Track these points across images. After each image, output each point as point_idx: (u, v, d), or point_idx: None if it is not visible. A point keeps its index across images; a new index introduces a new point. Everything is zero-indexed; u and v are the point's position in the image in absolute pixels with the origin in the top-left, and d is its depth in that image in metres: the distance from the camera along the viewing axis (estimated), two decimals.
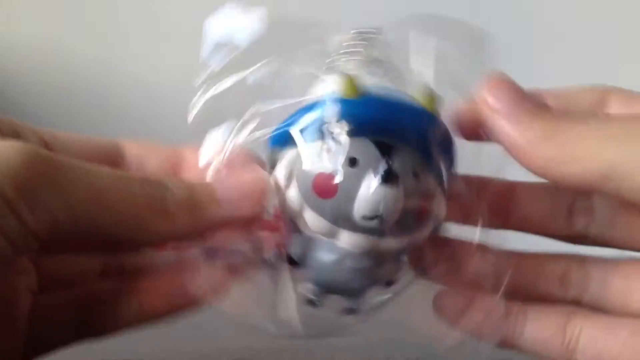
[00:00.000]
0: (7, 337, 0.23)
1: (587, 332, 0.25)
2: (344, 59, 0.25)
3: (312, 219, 0.24)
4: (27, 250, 0.20)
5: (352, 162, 0.23)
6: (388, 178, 0.22)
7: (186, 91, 0.25)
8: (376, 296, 0.26)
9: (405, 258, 0.26)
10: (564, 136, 0.22)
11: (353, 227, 0.23)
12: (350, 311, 0.26)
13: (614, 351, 0.24)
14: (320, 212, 0.23)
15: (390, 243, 0.24)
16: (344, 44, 0.25)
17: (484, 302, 0.26)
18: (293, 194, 0.24)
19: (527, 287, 0.26)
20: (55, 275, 0.27)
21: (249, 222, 0.24)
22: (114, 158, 0.27)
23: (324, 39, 0.25)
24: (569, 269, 0.26)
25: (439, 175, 0.25)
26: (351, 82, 0.23)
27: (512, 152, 0.23)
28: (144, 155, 0.28)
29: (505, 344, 0.26)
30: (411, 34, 0.25)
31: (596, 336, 0.24)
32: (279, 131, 0.24)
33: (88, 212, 0.21)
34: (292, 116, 0.24)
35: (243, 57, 0.24)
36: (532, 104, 0.23)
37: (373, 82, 0.24)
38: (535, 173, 0.23)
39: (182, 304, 0.25)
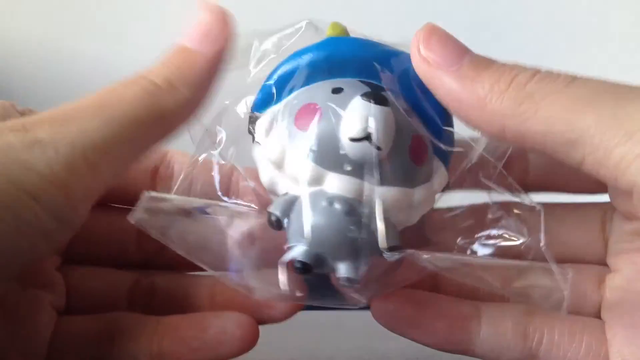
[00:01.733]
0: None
1: (548, 335, 0.23)
2: None
3: (294, 163, 0.21)
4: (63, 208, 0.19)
5: (336, 90, 0.21)
6: (375, 96, 0.21)
7: None
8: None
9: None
10: (523, 91, 0.19)
11: (341, 168, 0.21)
12: (349, 281, 0.22)
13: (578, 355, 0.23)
14: (304, 151, 0.21)
15: (385, 193, 0.21)
16: None
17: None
18: (274, 140, 0.22)
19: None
20: (83, 291, 0.26)
21: None
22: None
23: None
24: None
25: (435, 130, 0.23)
26: (338, 25, 0.23)
27: (459, 110, 0.21)
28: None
29: (460, 351, 0.24)
30: None
31: (558, 340, 0.23)
32: (263, 89, 0.23)
33: (100, 129, 0.19)
34: (274, 70, 0.23)
35: None
36: (474, 54, 0.21)
37: None
38: (486, 132, 0.21)
39: (203, 356, 0.24)
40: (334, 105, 0.21)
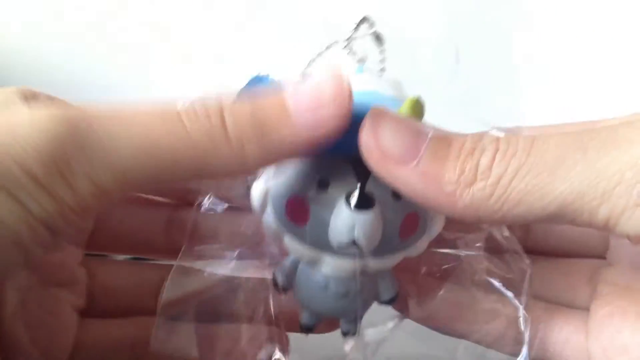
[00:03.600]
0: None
1: (542, 329, 0.23)
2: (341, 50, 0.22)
3: (291, 244, 0.22)
4: (73, 228, 0.17)
5: (322, 184, 0.21)
6: (361, 203, 0.20)
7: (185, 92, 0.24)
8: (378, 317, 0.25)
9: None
10: (490, 177, 0.18)
11: (334, 251, 0.21)
12: (348, 334, 0.25)
13: (558, 347, 0.23)
14: (298, 237, 0.22)
15: (378, 264, 0.22)
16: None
17: None
18: (270, 218, 0.22)
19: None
20: (108, 287, 0.25)
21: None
22: None
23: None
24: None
25: None
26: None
27: (427, 205, 0.19)
28: None
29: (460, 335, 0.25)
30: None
31: (541, 332, 0.24)
32: None
33: (137, 166, 0.17)
34: None
35: None
36: (432, 139, 0.18)
37: (362, 80, 0.21)
38: (465, 221, 0.19)
39: None
40: (320, 212, 0.21)
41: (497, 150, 0.18)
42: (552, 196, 0.17)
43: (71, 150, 0.16)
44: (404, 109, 0.20)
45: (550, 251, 0.25)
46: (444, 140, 0.18)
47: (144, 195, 0.26)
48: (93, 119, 0.17)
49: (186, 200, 0.26)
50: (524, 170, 0.17)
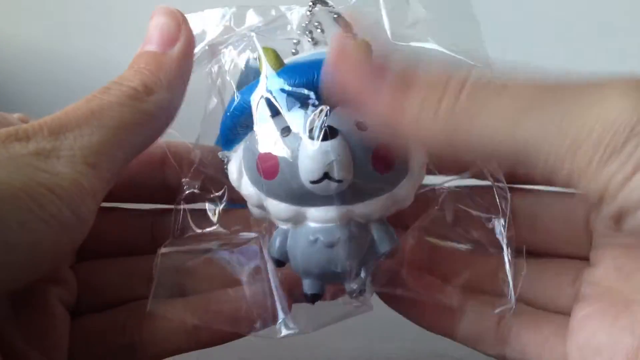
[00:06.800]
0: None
1: (515, 327, 0.24)
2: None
3: (272, 207, 0.22)
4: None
5: (284, 131, 0.21)
6: (324, 134, 0.20)
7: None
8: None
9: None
10: (456, 104, 0.18)
11: (316, 201, 0.21)
12: (357, 293, 0.23)
13: (537, 348, 0.23)
14: (275, 196, 0.22)
15: (364, 209, 0.22)
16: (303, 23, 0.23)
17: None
18: (248, 186, 0.23)
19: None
20: (96, 286, 0.26)
21: None
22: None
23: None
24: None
25: None
26: (271, 55, 0.22)
27: (395, 129, 0.19)
28: None
29: (444, 334, 0.25)
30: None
31: (522, 333, 0.24)
32: (222, 125, 0.24)
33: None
34: (224, 115, 0.23)
35: None
36: (396, 70, 0.19)
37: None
38: (428, 147, 0.21)
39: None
40: (287, 155, 0.21)
41: (466, 80, 0.18)
42: (520, 134, 0.17)
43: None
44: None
45: (536, 250, 0.25)
46: (411, 73, 0.19)
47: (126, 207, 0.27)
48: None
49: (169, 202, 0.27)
50: (494, 103, 0.17)
